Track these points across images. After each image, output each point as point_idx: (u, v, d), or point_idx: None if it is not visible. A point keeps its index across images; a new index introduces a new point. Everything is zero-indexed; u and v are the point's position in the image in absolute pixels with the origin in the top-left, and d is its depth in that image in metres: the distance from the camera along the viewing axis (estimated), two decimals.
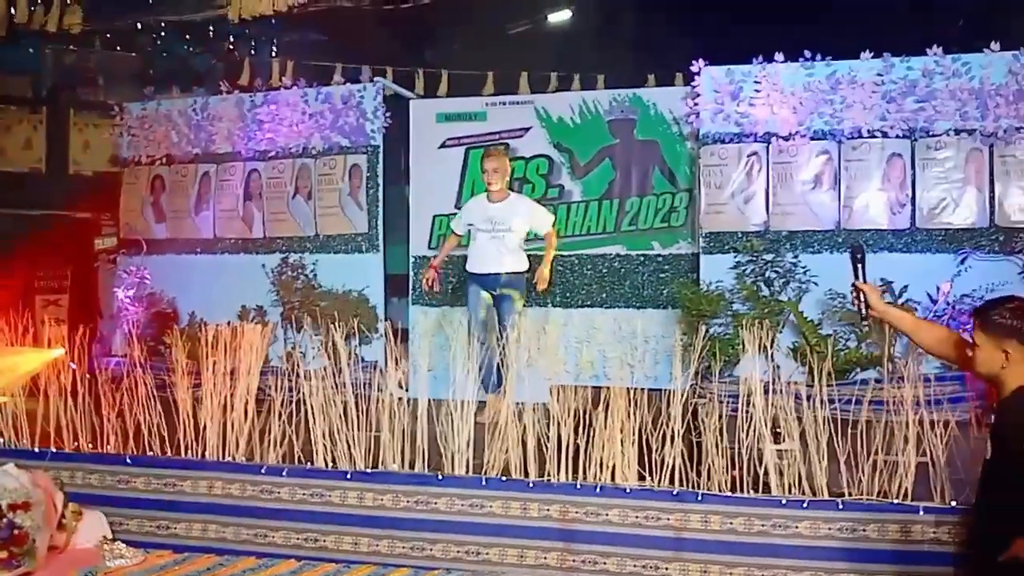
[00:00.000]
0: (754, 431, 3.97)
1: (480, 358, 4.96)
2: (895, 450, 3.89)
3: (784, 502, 3.86)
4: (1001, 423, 3.11)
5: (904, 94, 6.61)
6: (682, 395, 4.11)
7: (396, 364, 4.87)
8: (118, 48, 10.48)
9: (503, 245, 6.32)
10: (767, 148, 6.87)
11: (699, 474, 3.98)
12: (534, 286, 6.30)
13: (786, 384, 4.18)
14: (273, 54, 10.15)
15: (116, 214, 8.91)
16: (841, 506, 3.82)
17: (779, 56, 6.82)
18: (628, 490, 4.03)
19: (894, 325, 3.55)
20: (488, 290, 6.35)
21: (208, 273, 8.16)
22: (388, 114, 7.78)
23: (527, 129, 7.67)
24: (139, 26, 9.87)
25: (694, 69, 7.01)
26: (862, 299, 3.50)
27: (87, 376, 4.95)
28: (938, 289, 6.40)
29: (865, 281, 3.56)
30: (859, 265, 3.62)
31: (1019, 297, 3.26)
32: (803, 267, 6.70)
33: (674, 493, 3.98)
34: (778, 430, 4.01)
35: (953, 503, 3.75)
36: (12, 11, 8.76)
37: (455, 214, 7.66)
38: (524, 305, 6.45)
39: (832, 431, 3.94)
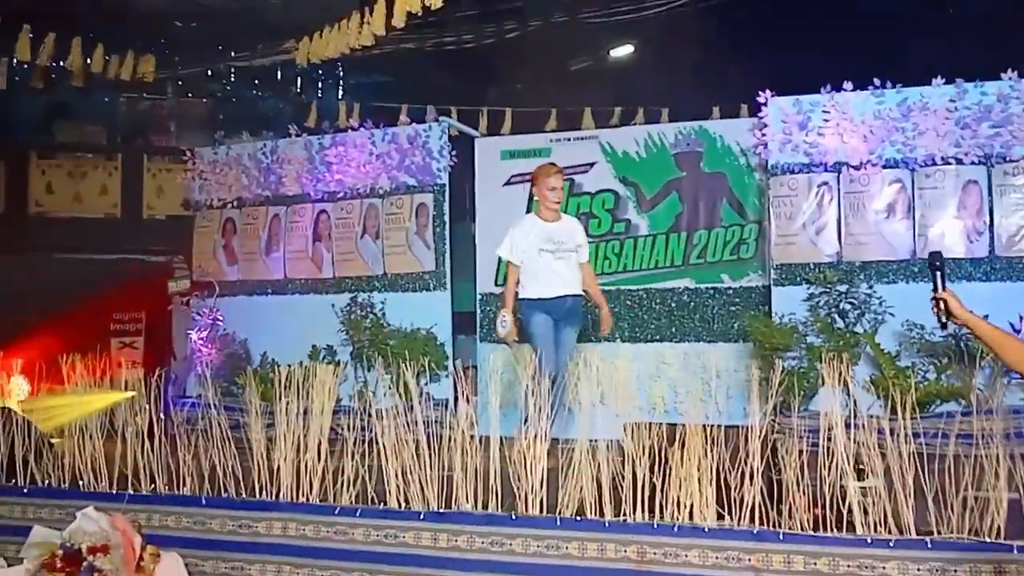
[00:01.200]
0: (836, 467, 3.86)
1: (554, 395, 4.81)
2: (985, 486, 3.75)
3: (870, 541, 3.74)
4: None
5: (979, 119, 6.45)
6: (760, 431, 4.01)
7: (467, 402, 4.84)
8: (189, 94, 10.76)
9: (568, 266, 6.13)
10: (838, 177, 6.75)
11: (780, 513, 3.88)
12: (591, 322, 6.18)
13: (867, 418, 4.07)
14: (340, 96, 10.33)
15: (189, 257, 9.09)
16: (930, 545, 3.68)
17: (848, 84, 6.72)
18: (707, 530, 3.94)
19: (978, 335, 3.41)
20: (553, 317, 6.07)
21: (279, 314, 8.24)
22: (454, 152, 7.82)
23: (592, 164, 7.66)
24: (209, 72, 10.13)
25: (761, 100, 6.94)
26: (942, 307, 3.35)
27: (162, 418, 5.01)
28: (1020, 318, 6.20)
29: (945, 288, 3.41)
30: (938, 272, 3.46)
31: None
32: (878, 298, 6.54)
33: (755, 532, 3.88)
34: (861, 466, 3.89)
35: None
36: (88, 61, 9.06)
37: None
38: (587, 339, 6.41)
39: (918, 466, 3.82)
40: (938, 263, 3.50)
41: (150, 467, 4.86)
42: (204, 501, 4.70)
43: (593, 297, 6.31)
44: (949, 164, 6.52)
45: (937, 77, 6.56)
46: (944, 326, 3.38)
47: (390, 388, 5.45)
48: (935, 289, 3.40)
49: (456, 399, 4.77)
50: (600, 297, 6.24)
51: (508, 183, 7.83)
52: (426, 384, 7.48)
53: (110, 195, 11.30)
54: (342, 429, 4.62)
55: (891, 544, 3.71)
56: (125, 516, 4.47)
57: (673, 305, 7.42)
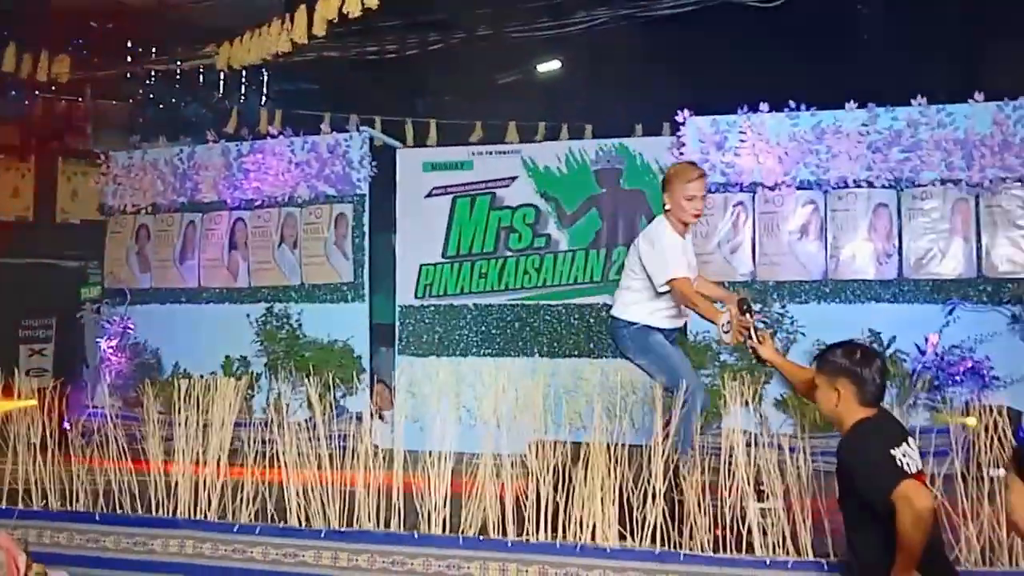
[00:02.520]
0: (737, 488, 3.87)
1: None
2: None
3: (768, 562, 3.76)
4: (841, 460, 3.27)
5: (889, 144, 6.61)
6: (664, 450, 4.01)
7: (373, 416, 4.76)
8: (107, 97, 10.50)
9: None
10: (753, 198, 6.85)
11: (681, 533, 3.88)
12: None
13: (768, 438, 4.09)
14: (262, 103, 10.17)
15: (102, 263, 8.85)
16: (827, 567, 3.71)
17: (764, 106, 6.82)
18: (609, 550, 3.92)
19: (784, 374, 3.94)
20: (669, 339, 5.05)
21: (192, 323, 8.09)
22: (375, 163, 7.76)
23: (514, 178, 7.64)
24: (127, 75, 9.90)
25: (679, 119, 7.01)
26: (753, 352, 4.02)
27: (57, 430, 4.84)
28: (926, 340, 6.34)
29: (757, 330, 4.02)
30: (748, 315, 4.05)
31: (855, 341, 3.50)
32: (791, 317, 6.64)
33: (656, 553, 3.87)
34: (762, 487, 3.91)
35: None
36: (0, 60, 8.77)
37: (440, 263, 7.63)
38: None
39: (816, 487, 3.85)
40: (746, 307, 4.09)
41: (42, 482, 4.68)
42: (98, 517, 4.54)
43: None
44: (861, 187, 6.66)
45: (850, 101, 6.70)
46: (760, 361, 4.08)
47: (304, 402, 5.35)
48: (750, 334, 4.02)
49: (369, 414, 4.69)
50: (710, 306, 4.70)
51: (429, 195, 7.77)
52: (343, 397, 7.40)
53: (22, 197, 10.95)
54: (243, 444, 4.51)
55: (789, 565, 3.74)
56: (11, 533, 4.30)
57: (592, 321, 7.43)
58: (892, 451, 3.13)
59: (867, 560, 3.21)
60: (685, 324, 5.54)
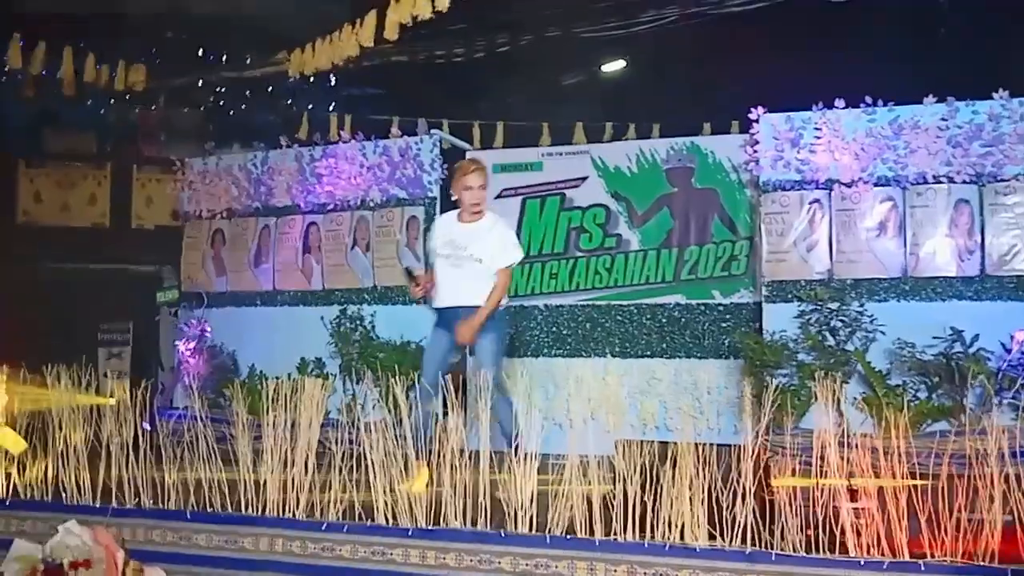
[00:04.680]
0: (829, 488, 3.82)
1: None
2: (979, 508, 3.71)
3: (863, 563, 3.70)
4: None
5: (970, 138, 6.48)
6: (752, 450, 3.98)
7: (456, 417, 4.79)
8: (180, 105, 10.71)
9: (465, 273, 5.47)
10: (829, 195, 6.76)
11: (772, 533, 3.84)
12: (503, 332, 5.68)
13: (860, 438, 4.03)
14: (331, 109, 10.29)
15: (177, 267, 9.04)
16: (924, 568, 3.64)
17: (839, 102, 6.73)
18: (698, 550, 3.90)
19: None
20: (447, 329, 5.52)
21: (267, 325, 8.21)
22: (445, 166, 7.81)
23: (584, 179, 7.65)
24: (200, 83, 10.09)
25: (752, 116, 6.95)
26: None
27: (147, 430, 4.95)
28: (1012, 338, 6.19)
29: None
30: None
31: None
32: (869, 316, 6.53)
33: (746, 553, 3.84)
34: (854, 487, 3.86)
35: None
36: (79, 70, 9.01)
37: (510, 265, 7.65)
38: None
39: (911, 488, 3.78)
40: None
41: (134, 480, 4.78)
42: (189, 515, 4.64)
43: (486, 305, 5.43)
44: (940, 183, 6.54)
45: (928, 96, 6.58)
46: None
47: (379, 401, 5.39)
48: None
49: (446, 413, 4.73)
50: (484, 309, 5.38)
51: (499, 196, 7.80)
52: (416, 398, 7.44)
53: (99, 205, 11.24)
54: (330, 443, 4.57)
55: (884, 566, 3.68)
56: (108, 530, 4.41)
57: (664, 321, 7.41)
58: None
59: None
60: None
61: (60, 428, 4.98)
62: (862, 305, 6.57)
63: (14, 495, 5.01)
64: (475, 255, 5.46)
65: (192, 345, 8.27)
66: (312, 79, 9.26)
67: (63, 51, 8.90)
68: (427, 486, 4.37)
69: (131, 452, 4.84)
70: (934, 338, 6.23)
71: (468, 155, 7.96)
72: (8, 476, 5.03)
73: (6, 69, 9.10)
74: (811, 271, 6.75)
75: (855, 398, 6.43)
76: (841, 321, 6.54)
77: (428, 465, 4.37)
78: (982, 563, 3.61)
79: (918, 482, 3.74)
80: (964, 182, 6.50)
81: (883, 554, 3.72)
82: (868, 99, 6.67)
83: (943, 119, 6.53)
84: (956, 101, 6.53)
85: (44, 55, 8.90)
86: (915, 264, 6.58)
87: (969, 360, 6.10)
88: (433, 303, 5.68)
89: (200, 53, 10.11)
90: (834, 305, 6.57)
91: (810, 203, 6.78)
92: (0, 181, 10.89)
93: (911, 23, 7.32)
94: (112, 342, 10.70)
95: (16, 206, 11.06)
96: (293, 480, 4.55)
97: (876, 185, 6.66)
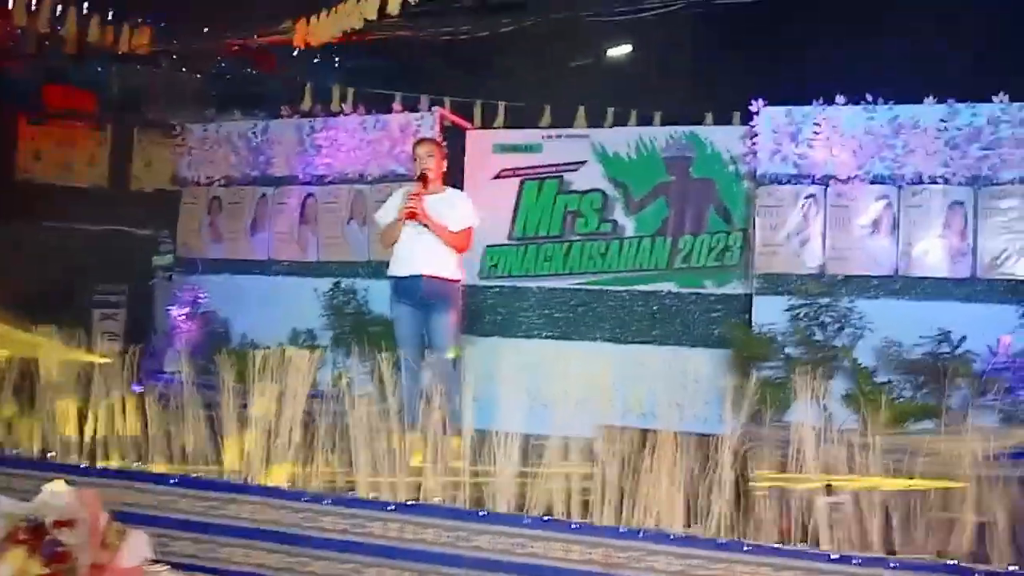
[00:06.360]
0: (805, 481, 3.87)
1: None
2: (952, 507, 3.76)
3: (834, 557, 3.75)
4: None
5: (968, 141, 6.50)
6: (732, 440, 4.02)
7: (439, 394, 4.82)
8: (183, 69, 10.67)
9: (428, 243, 5.84)
10: (825, 190, 6.79)
11: (747, 524, 3.88)
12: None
13: (839, 433, 4.07)
14: (334, 81, 10.25)
15: (174, 232, 9.05)
16: (893, 564, 3.70)
17: (840, 98, 6.74)
18: (673, 537, 3.94)
19: None
20: (409, 300, 5.88)
21: (261, 295, 8.23)
22: (445, 144, 7.80)
23: (582, 163, 7.66)
24: (204, 49, 10.05)
25: (752, 109, 6.96)
26: None
27: (135, 393, 4.98)
28: (999, 341, 6.24)
29: None
30: None
31: None
32: (859, 313, 6.57)
33: (720, 542, 3.89)
34: (830, 483, 3.90)
35: (1012, 567, 3.61)
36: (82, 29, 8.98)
37: (507, 245, 7.68)
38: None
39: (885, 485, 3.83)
40: None
41: (121, 442, 4.83)
42: (173, 480, 4.67)
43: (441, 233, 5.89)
44: (936, 184, 6.56)
45: (929, 96, 6.59)
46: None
47: (368, 376, 5.43)
48: None
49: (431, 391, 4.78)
50: (442, 233, 5.86)
51: (498, 176, 7.81)
52: (402, 374, 7.48)
53: (98, 165, 11.20)
54: (316, 415, 4.60)
55: (855, 561, 3.73)
56: (93, 491, 4.44)
57: (655, 308, 7.43)
58: None
59: None
60: None
61: (49, 387, 5.01)
62: (852, 301, 6.61)
63: (0, 452, 5.04)
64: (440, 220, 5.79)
65: (185, 311, 8.29)
66: (317, 50, 9.22)
67: (68, 10, 8.87)
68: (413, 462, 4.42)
69: (119, 414, 4.87)
70: (921, 337, 6.28)
71: (469, 135, 7.97)
72: None
73: (10, 26, 9.08)
74: (803, 265, 6.79)
75: (841, 394, 6.47)
76: (830, 316, 6.58)
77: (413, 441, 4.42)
78: (952, 562, 3.66)
79: (892, 480, 3.79)
80: (960, 184, 6.52)
81: (855, 548, 3.77)
82: (868, 96, 6.68)
83: (942, 120, 6.57)
84: (956, 103, 6.55)
85: (48, 13, 8.87)
86: (907, 263, 6.62)
87: (955, 361, 6.14)
88: (390, 271, 6.01)
89: (205, 17, 10.06)
90: (824, 300, 6.61)
91: (805, 198, 6.81)
92: (0, 138, 10.86)
93: (914, 21, 7.31)
94: (107, 303, 10.69)
95: (15, 162, 11.03)
96: (277, 450, 4.59)
97: (872, 183, 6.69)
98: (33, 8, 8.87)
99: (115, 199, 10.99)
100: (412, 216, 5.86)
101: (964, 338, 6.28)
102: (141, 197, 10.95)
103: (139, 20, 9.24)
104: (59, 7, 8.89)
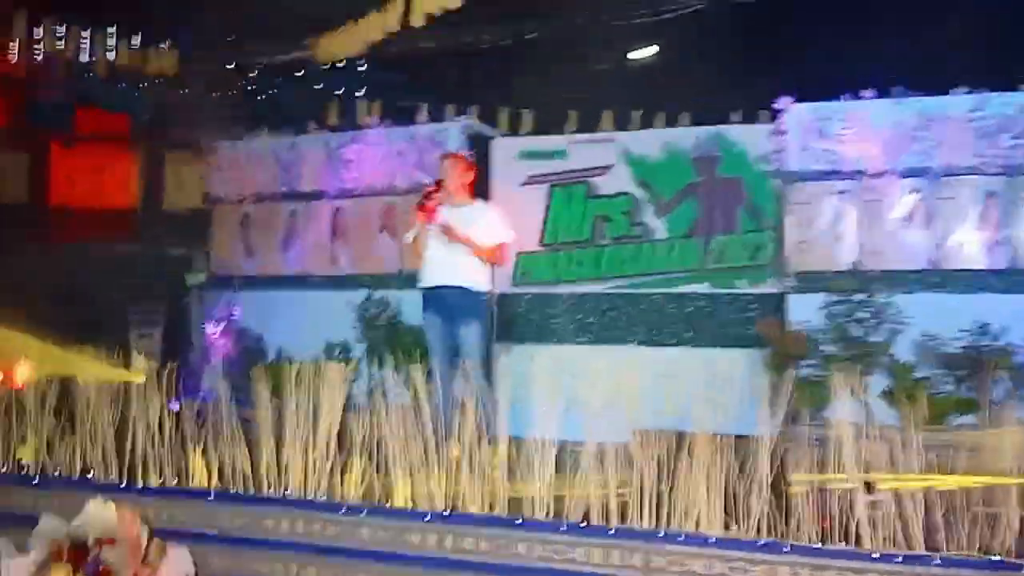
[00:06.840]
0: (845, 480, 3.82)
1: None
2: (995, 503, 3.71)
3: (877, 556, 3.70)
4: None
5: (999, 130, 6.41)
6: (770, 440, 3.98)
7: (475, 403, 4.82)
8: (209, 88, 10.78)
9: (456, 254, 5.91)
10: (856, 185, 6.71)
11: (788, 524, 3.84)
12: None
13: (879, 430, 4.02)
14: (359, 94, 10.32)
15: (207, 250, 9.13)
16: (938, 561, 3.64)
17: (867, 93, 6.67)
18: (713, 539, 3.91)
19: None
20: (439, 312, 5.96)
21: (294, 309, 8.27)
22: (472, 152, 7.82)
23: (609, 167, 7.63)
24: (231, 67, 10.16)
25: (779, 106, 6.91)
26: None
27: (173, 411, 5.02)
28: None
29: None
30: None
31: None
32: (895, 307, 6.49)
33: (761, 543, 3.85)
34: (870, 480, 3.86)
35: None
36: (111, 53, 9.12)
37: (537, 252, 7.67)
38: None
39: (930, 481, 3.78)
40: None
41: (160, 459, 4.87)
42: (212, 495, 4.71)
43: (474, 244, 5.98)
44: (969, 175, 6.47)
45: (958, 87, 6.52)
46: None
47: (401, 386, 5.44)
48: None
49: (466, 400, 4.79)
50: (473, 245, 5.93)
51: (526, 183, 7.81)
52: (437, 383, 7.48)
53: (130, 187, 11.34)
54: (351, 427, 4.62)
55: (898, 559, 3.68)
56: (133, 508, 4.48)
57: (689, 310, 7.39)
58: None
59: None
60: None
61: (88, 407, 5.07)
62: (888, 296, 6.52)
63: (42, 472, 5.10)
64: (471, 235, 5.83)
65: (220, 327, 8.36)
66: (343, 64, 9.30)
67: (96, 35, 9.01)
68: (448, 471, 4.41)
69: (157, 431, 4.91)
70: (960, 331, 6.19)
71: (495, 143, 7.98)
72: (37, 453, 5.13)
73: (41, 52, 9.23)
74: (837, 262, 6.72)
75: (881, 390, 6.40)
76: (866, 312, 6.51)
77: (450, 450, 4.42)
78: (997, 557, 3.60)
79: (934, 476, 3.74)
80: (993, 174, 6.43)
81: (898, 547, 3.72)
82: (897, 89, 6.61)
83: (972, 111, 6.47)
84: (986, 93, 6.46)
85: (76, 37, 9.01)
86: (942, 256, 6.53)
87: (995, 353, 6.05)
88: (420, 282, 6.06)
89: (231, 37, 10.17)
90: (860, 296, 6.53)
91: (837, 193, 6.74)
92: (33, 163, 11.02)
93: (940, 11, 7.25)
94: (143, 323, 10.80)
95: (48, 188, 11.19)
96: (315, 463, 4.61)
97: (904, 176, 6.60)
98: (62, 35, 9.03)
99: (148, 219, 11.12)
100: (422, 211, 5.94)
101: (1005, 329, 6.18)
102: (174, 217, 11.07)
103: (166, 42, 9.37)
104: (86, 33, 9.03)
